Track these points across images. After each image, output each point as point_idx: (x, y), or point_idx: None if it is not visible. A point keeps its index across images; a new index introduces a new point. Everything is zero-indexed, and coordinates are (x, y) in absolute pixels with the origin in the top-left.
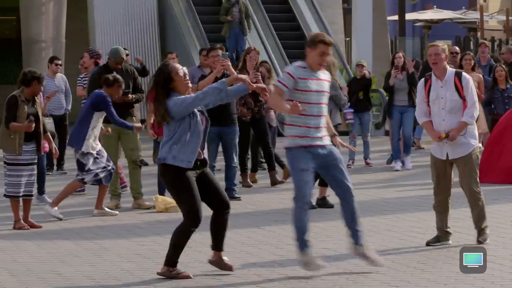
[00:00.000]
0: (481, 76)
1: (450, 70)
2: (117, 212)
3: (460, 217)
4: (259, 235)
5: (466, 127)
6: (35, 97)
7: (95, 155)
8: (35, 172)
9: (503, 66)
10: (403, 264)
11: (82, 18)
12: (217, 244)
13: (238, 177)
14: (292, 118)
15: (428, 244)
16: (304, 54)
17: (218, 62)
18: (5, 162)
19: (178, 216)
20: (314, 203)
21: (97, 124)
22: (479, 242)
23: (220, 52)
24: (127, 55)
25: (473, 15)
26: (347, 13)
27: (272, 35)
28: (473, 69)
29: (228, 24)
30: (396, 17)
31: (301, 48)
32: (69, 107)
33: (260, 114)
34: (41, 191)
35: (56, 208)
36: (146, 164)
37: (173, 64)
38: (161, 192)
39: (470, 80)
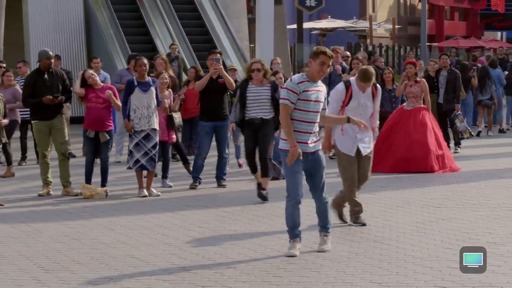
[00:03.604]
0: None
1: None
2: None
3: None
4: (174, 219)
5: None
6: None
7: None
8: None
9: (390, 69)
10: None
11: (18, 27)
12: None
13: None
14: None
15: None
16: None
17: (212, 65)
18: None
19: (102, 202)
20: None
21: None
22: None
23: (217, 56)
24: (59, 59)
25: (363, 24)
26: (252, 22)
27: (185, 42)
28: None
29: None
30: (294, 26)
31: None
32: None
33: None
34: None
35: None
36: (74, 156)
37: None
38: (88, 181)
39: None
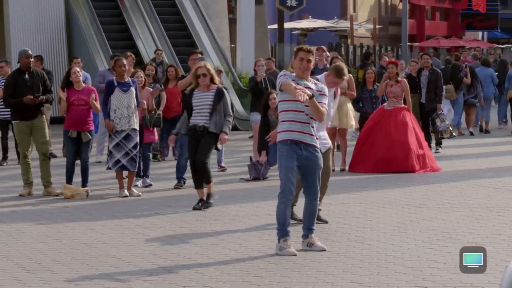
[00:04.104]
0: (351, 75)
1: None
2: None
3: (332, 203)
4: (154, 219)
5: None
6: None
7: None
8: None
9: (373, 69)
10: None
11: (0, 27)
12: None
13: None
14: (283, 115)
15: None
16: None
17: (195, 65)
18: None
19: (83, 202)
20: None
21: None
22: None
23: (199, 56)
24: (40, 59)
25: (344, 24)
26: (233, 22)
27: (166, 42)
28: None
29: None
30: (275, 26)
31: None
32: None
33: None
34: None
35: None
36: (55, 156)
37: None
38: (69, 181)
39: (340, 93)
